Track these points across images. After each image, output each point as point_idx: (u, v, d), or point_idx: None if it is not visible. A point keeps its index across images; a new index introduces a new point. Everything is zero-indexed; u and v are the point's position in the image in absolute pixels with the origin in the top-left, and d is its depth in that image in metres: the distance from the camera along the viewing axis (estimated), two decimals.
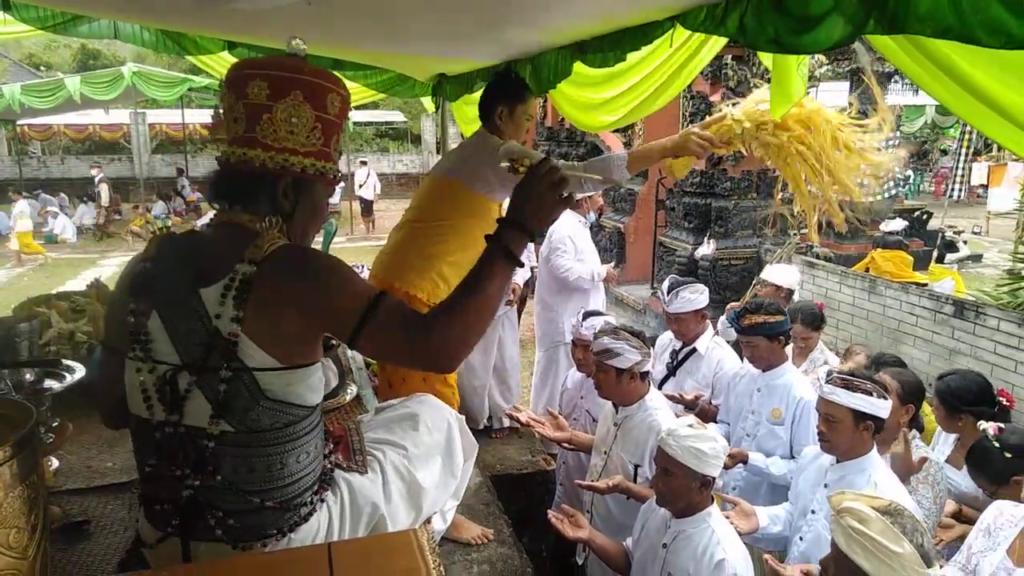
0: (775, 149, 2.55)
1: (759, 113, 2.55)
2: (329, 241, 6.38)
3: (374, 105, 17.91)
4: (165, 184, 19.83)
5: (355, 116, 17.64)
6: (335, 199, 20.01)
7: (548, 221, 1.40)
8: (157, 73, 13.08)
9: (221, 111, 1.43)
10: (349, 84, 4.88)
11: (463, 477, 1.96)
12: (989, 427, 2.49)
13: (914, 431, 2.75)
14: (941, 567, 2.14)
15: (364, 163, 18.93)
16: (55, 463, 2.26)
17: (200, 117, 20.08)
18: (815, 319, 3.81)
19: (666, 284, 3.66)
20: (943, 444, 3.01)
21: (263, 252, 1.30)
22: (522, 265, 1.39)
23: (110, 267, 12.30)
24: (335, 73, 1.50)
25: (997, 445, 2.42)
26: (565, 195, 1.39)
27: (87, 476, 2.29)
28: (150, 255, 1.40)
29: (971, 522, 2.54)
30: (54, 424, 1.87)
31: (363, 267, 5.73)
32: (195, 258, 1.36)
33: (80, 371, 1.96)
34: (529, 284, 6.93)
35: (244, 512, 1.35)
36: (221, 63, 4.59)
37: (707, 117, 2.65)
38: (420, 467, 1.69)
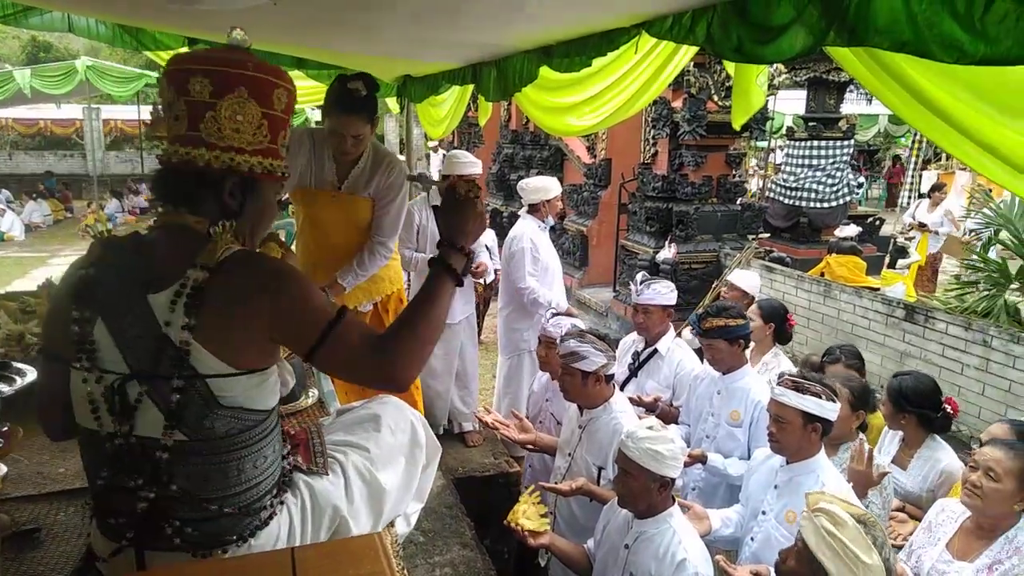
0: None
1: None
2: (291, 243, 6.27)
3: None
4: (119, 182, 19.33)
5: (317, 115, 17.42)
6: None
7: (476, 233, 1.50)
8: (113, 68, 12.73)
9: (160, 108, 1.37)
10: (311, 83, 4.87)
11: (427, 479, 1.95)
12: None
13: (859, 434, 2.83)
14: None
15: None
16: (4, 469, 2.18)
17: None
18: (773, 313, 3.86)
19: (639, 276, 3.72)
20: (889, 444, 3.10)
21: (217, 257, 1.27)
22: (462, 284, 1.48)
23: (62, 266, 11.92)
24: (283, 67, 1.46)
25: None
26: (466, 202, 1.49)
27: (38, 482, 2.21)
28: (92, 260, 1.33)
29: (916, 519, 2.63)
30: (3, 428, 1.81)
31: None
32: (141, 263, 1.31)
33: (31, 374, 1.90)
34: (492, 286, 6.94)
35: (202, 520, 1.32)
36: None
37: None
38: (382, 468, 1.67)
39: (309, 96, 5.68)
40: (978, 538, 2.21)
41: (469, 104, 4.75)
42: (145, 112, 18.26)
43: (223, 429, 1.29)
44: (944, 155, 14.70)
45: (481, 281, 6.66)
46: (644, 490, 2.23)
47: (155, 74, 12.08)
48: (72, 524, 1.98)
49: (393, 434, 1.76)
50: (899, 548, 2.51)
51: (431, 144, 15.30)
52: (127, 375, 1.26)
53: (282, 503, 1.45)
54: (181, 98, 1.31)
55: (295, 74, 4.66)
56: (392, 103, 5.32)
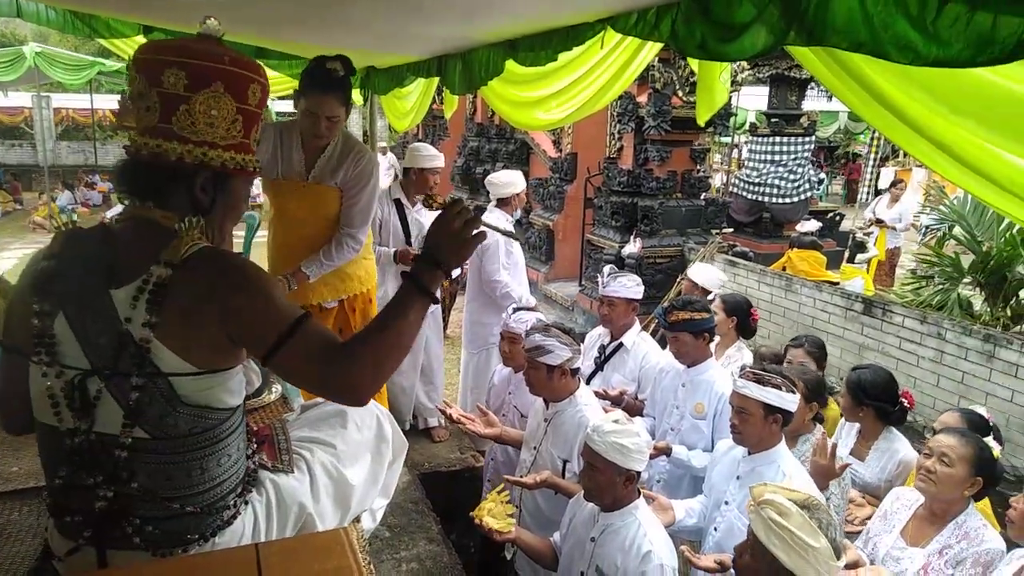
0: None
1: None
2: (252, 236, 6.17)
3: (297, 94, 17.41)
4: (71, 173, 18.78)
5: (277, 106, 17.09)
6: (257, 191, 19.44)
7: (463, 258, 1.40)
8: (63, 55, 12.31)
9: (129, 97, 1.33)
10: (271, 73, 4.79)
11: (393, 475, 1.94)
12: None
13: (816, 426, 2.90)
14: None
15: None
16: None
17: (110, 103, 19.02)
18: (736, 307, 3.94)
19: (606, 268, 3.75)
20: (847, 436, 3.18)
21: (181, 254, 1.24)
22: (437, 301, 1.39)
23: (10, 259, 11.57)
24: (256, 60, 1.44)
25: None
26: (475, 233, 1.37)
27: None
28: (55, 252, 1.29)
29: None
30: None
31: None
32: (105, 256, 1.28)
33: None
34: (458, 281, 6.92)
35: (163, 519, 1.29)
36: (135, 47, 4.39)
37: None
38: (349, 465, 1.67)
39: (271, 86, 5.59)
40: (930, 524, 2.28)
41: (434, 97, 4.72)
42: (100, 101, 17.79)
43: (185, 427, 1.26)
44: (901, 152, 15.06)
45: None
46: (610, 484, 2.25)
47: (109, 62, 11.76)
48: (27, 524, 1.94)
49: (359, 430, 1.76)
50: (856, 534, 2.58)
51: (380, 145, 14.94)
52: (88, 371, 1.23)
53: (247, 502, 1.43)
54: (153, 89, 1.27)
55: None
56: (356, 95, 5.26)
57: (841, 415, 3.30)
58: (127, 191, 1.34)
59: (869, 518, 2.69)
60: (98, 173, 17.98)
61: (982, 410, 2.65)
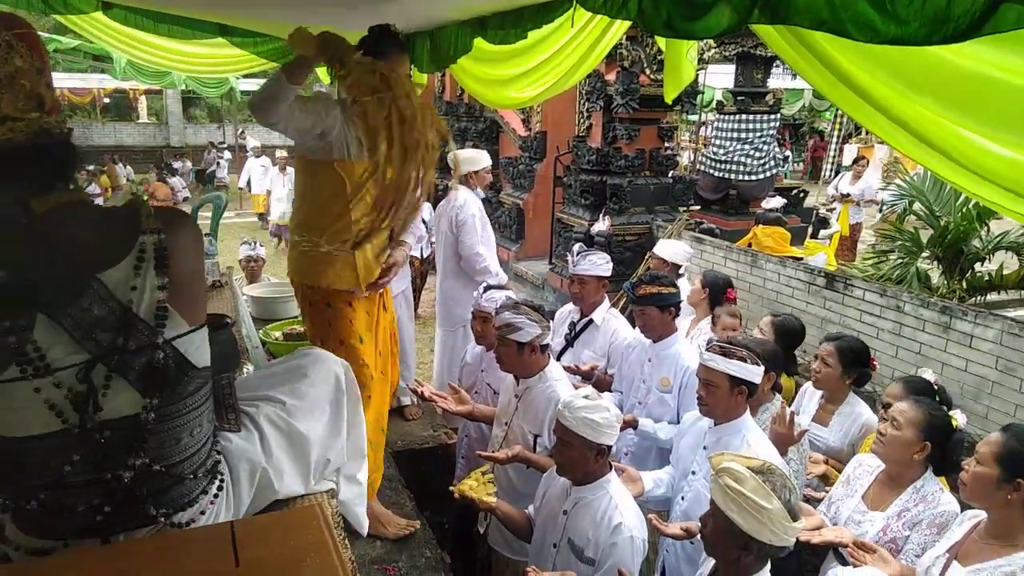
0: None
1: None
2: (218, 217, 6.09)
3: (263, 74, 17.08)
4: None
5: (243, 85, 16.70)
6: (223, 172, 19.08)
7: None
8: None
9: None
10: (236, 52, 4.69)
11: (359, 429, 1.88)
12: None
13: (775, 395, 2.99)
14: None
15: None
16: None
17: (68, 82, 18.46)
18: (714, 282, 4.05)
19: (576, 247, 3.79)
20: (808, 403, 3.27)
21: (153, 220, 1.25)
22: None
23: None
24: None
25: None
26: None
27: None
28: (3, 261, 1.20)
29: (838, 472, 2.80)
30: None
31: (256, 244, 5.54)
32: (71, 247, 1.23)
33: None
34: (428, 261, 6.91)
35: (168, 488, 1.32)
36: (93, 24, 4.27)
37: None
38: (301, 418, 1.63)
39: (235, 64, 5.46)
40: (890, 489, 2.37)
41: None
42: (58, 80, 17.17)
43: (191, 389, 1.30)
44: (864, 130, 15.32)
45: (417, 255, 6.63)
46: (582, 458, 2.30)
47: (65, 39, 11.36)
48: None
49: (315, 385, 1.71)
50: (819, 500, 2.67)
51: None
52: (88, 362, 1.21)
53: (220, 459, 1.45)
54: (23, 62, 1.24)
55: (219, 42, 4.48)
56: (322, 72, 5.17)
57: (798, 386, 3.40)
58: (44, 178, 1.27)
59: (824, 476, 2.86)
60: None
61: (929, 375, 2.74)
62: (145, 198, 1.29)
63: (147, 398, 1.24)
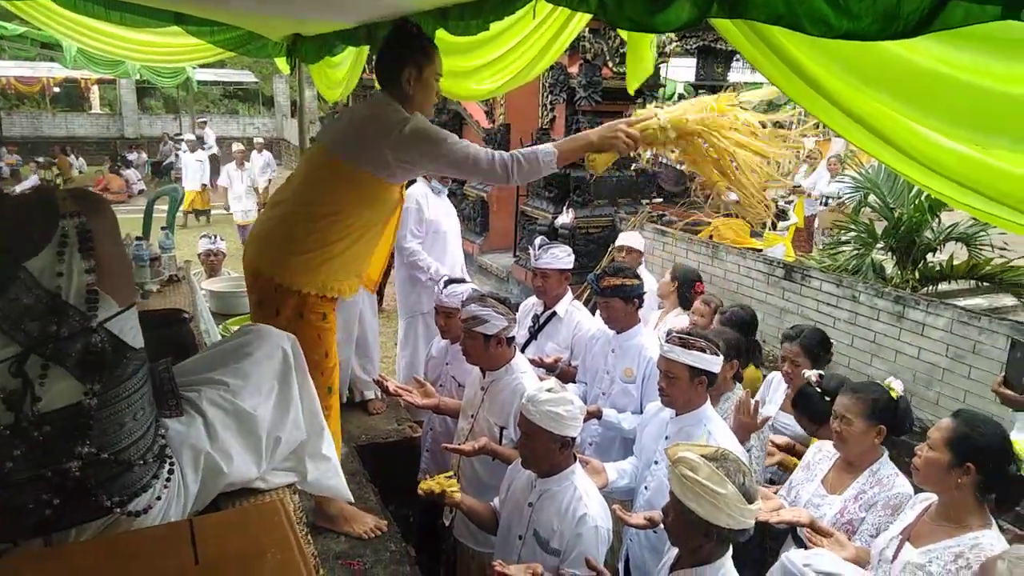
0: (692, 154, 2.53)
1: (684, 122, 2.49)
2: (175, 209, 5.96)
3: (220, 63, 16.70)
4: None
5: (200, 75, 16.38)
6: (180, 164, 18.66)
7: None
8: None
9: None
10: (192, 41, 4.57)
11: (310, 402, 1.82)
12: (811, 374, 2.81)
13: (736, 384, 3.05)
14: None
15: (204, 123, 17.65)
16: None
17: (15, 70, 17.85)
18: (684, 276, 4.13)
19: (537, 240, 3.79)
20: (773, 392, 3.34)
21: (71, 203, 1.25)
22: None
23: None
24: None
25: (818, 390, 2.73)
26: None
27: None
28: None
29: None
30: None
31: (216, 237, 5.43)
32: None
33: None
34: (390, 254, 6.85)
35: (117, 476, 1.30)
36: (40, 10, 4.12)
37: (634, 114, 2.55)
38: (247, 397, 1.59)
39: (191, 54, 5.33)
40: (848, 473, 2.44)
41: (365, 67, 4.62)
42: (3, 68, 16.54)
43: (129, 371, 1.29)
44: (820, 124, 15.61)
45: None
46: (546, 451, 2.31)
47: (11, 25, 10.96)
48: None
49: (259, 363, 1.66)
50: (780, 484, 2.74)
51: (257, 141, 13.45)
52: (21, 355, 1.18)
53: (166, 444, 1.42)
54: None
55: (174, 30, 4.35)
56: (281, 63, 5.07)
57: (763, 376, 3.46)
58: None
59: (782, 463, 2.96)
60: (4, 145, 16.88)
61: (898, 385, 2.63)
62: (59, 183, 1.24)
63: (87, 384, 1.22)
